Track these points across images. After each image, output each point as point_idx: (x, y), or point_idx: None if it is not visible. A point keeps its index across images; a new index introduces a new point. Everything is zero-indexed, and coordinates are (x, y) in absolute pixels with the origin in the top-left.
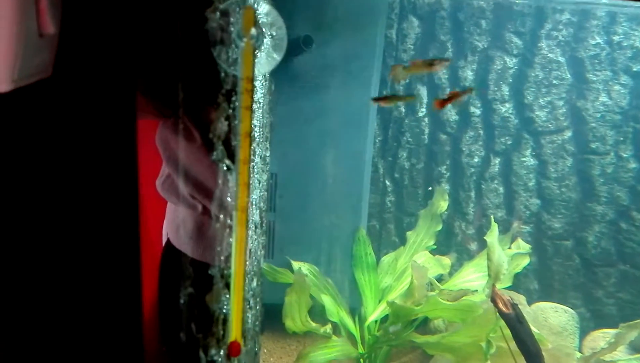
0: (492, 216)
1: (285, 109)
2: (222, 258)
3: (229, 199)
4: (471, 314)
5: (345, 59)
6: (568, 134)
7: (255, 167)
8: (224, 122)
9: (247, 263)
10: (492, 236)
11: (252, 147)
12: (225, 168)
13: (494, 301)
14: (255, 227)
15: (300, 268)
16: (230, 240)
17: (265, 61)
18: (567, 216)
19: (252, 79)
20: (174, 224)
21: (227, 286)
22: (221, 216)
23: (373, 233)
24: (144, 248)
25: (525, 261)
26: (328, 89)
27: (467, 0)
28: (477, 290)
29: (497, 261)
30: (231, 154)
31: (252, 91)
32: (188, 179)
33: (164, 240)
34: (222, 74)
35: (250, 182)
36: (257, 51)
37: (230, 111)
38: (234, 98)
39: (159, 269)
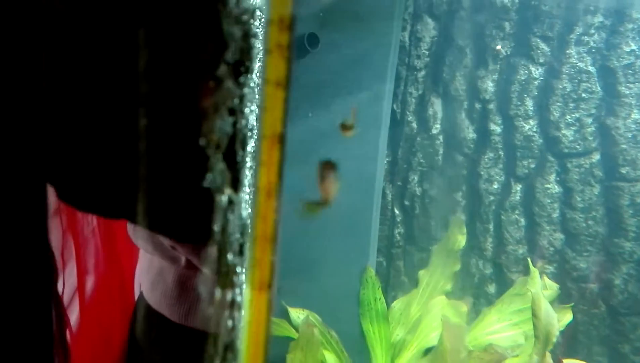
0: (529, 259)
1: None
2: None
3: (230, 256)
4: None
5: (354, 65)
6: (596, 157)
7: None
8: (227, 118)
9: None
10: (535, 285)
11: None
12: (226, 201)
13: None
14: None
15: (307, 316)
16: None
17: None
18: (593, 254)
19: (290, 25)
20: (148, 277)
21: None
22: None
23: (380, 272)
24: (101, 297)
25: (568, 316)
26: (334, 99)
27: None
28: (518, 355)
29: (545, 318)
30: (235, 177)
31: (289, 49)
32: None
33: (137, 292)
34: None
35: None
36: None
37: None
38: (242, 78)
39: (128, 330)
